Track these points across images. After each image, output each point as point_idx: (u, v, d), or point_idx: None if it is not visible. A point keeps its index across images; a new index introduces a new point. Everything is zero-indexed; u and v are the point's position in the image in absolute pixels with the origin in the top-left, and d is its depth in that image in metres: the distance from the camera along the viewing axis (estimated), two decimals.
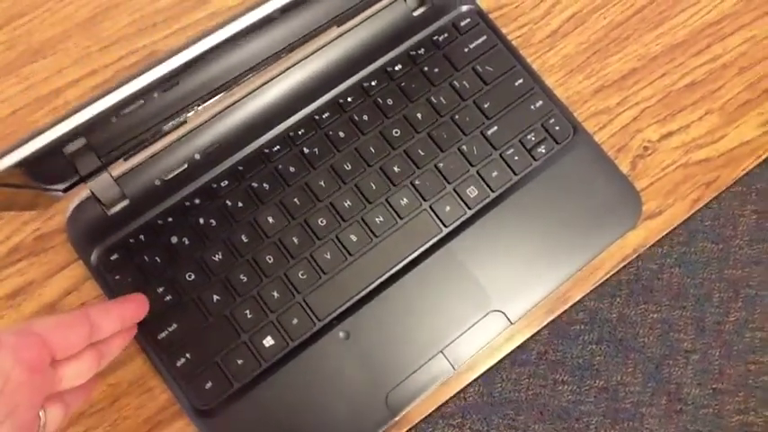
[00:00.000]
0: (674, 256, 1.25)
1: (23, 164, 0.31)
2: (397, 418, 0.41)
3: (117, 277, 0.42)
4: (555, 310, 0.46)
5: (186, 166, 0.44)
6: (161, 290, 0.42)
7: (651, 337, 1.20)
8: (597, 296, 1.21)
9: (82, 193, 0.43)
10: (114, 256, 0.42)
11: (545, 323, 0.46)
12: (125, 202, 0.43)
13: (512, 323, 0.43)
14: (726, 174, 0.49)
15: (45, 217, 0.45)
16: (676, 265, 1.24)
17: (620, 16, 0.52)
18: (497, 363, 0.45)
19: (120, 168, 0.43)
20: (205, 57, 0.32)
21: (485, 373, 0.45)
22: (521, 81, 0.48)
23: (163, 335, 0.41)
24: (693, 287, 1.23)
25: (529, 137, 0.47)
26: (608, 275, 0.47)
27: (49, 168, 0.39)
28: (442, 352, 0.42)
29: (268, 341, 0.42)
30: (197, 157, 0.45)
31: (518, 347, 0.46)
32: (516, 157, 0.46)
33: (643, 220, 0.48)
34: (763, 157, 0.50)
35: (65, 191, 0.39)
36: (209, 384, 0.40)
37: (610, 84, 0.51)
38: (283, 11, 0.32)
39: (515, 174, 0.46)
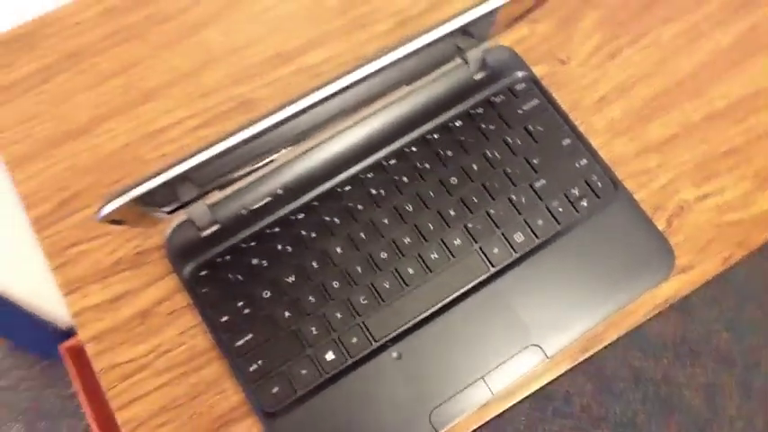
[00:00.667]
0: (723, 321, 1.26)
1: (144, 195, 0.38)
2: None
3: (204, 290, 0.49)
4: (589, 349, 0.50)
5: (270, 198, 0.51)
6: (240, 304, 0.48)
7: (696, 399, 1.20)
8: (643, 355, 1.23)
9: (181, 216, 0.50)
10: (204, 272, 0.49)
11: (579, 360, 0.50)
12: (216, 227, 0.50)
13: (548, 357, 0.48)
14: (756, 235, 0.53)
15: (145, 236, 0.53)
16: (725, 329, 1.25)
17: (663, 86, 0.58)
18: (534, 392, 0.49)
19: (214, 198, 0.50)
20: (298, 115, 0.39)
21: (522, 401, 0.49)
22: (567, 141, 0.53)
23: (240, 342, 0.47)
24: (741, 353, 1.23)
25: (573, 191, 0.52)
26: (640, 321, 0.51)
27: (161, 197, 0.46)
28: (482, 378, 0.47)
29: (329, 356, 0.47)
30: (279, 191, 0.52)
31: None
32: (561, 209, 0.52)
33: (676, 274, 0.52)
34: None
35: (169, 213, 0.47)
36: (275, 389, 0.46)
37: (651, 147, 0.56)
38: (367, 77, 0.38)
39: (559, 223, 0.51)
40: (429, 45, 0.41)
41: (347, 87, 0.37)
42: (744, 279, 1.27)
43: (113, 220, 0.37)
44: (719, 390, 1.21)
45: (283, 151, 0.50)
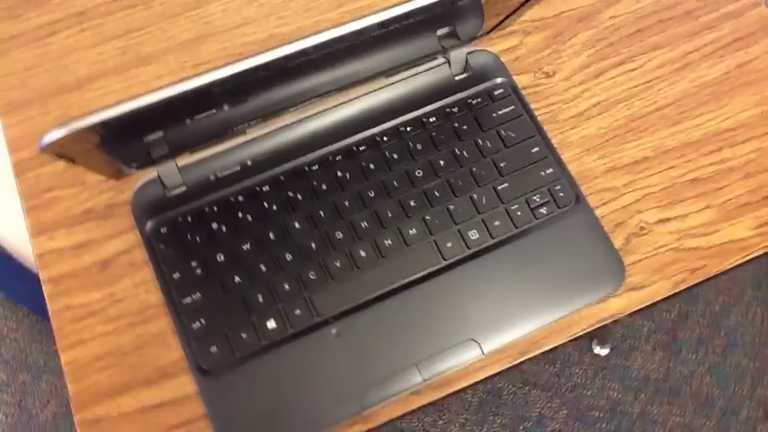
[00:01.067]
0: (708, 364, 1.25)
1: (114, 128, 0.39)
2: (365, 413, 0.47)
3: (162, 246, 0.50)
4: (527, 353, 0.51)
5: (239, 168, 0.53)
6: (194, 264, 0.50)
7: None
8: (622, 388, 1.23)
9: (150, 174, 0.52)
10: (164, 230, 0.51)
11: (516, 362, 0.51)
12: (183, 188, 0.52)
13: (484, 354, 0.49)
14: (712, 264, 0.54)
15: (118, 191, 0.55)
16: (708, 373, 1.24)
17: (642, 110, 0.59)
18: (466, 387, 0.50)
19: (185, 160, 0.52)
20: (269, 70, 0.40)
21: (452, 393, 0.50)
22: (537, 149, 0.55)
23: (187, 300, 0.49)
24: (722, 399, 1.22)
25: (534, 197, 0.53)
26: (583, 332, 0.52)
27: (130, 148, 0.48)
28: (416, 364, 0.48)
29: (271, 324, 0.49)
30: (249, 162, 0.53)
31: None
32: (519, 213, 0.53)
33: (626, 291, 0.53)
34: (751, 256, 0.54)
35: (138, 167, 0.48)
36: (214, 349, 0.48)
37: (621, 167, 0.56)
38: (338, 43, 0.40)
39: (516, 227, 0.52)
40: (405, 21, 0.42)
41: (310, 49, 0.39)
42: (734, 325, 1.26)
43: (64, 155, 0.38)
44: None
45: (257, 124, 0.52)
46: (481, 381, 0.50)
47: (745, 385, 1.23)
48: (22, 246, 1.04)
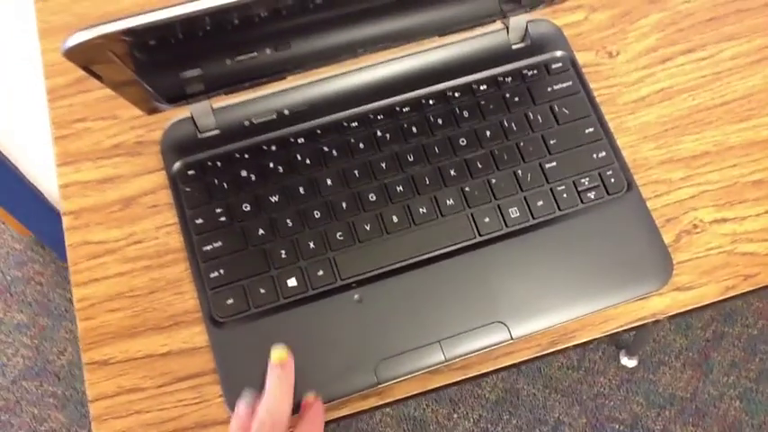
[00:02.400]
0: (739, 389, 1.19)
1: (148, 49, 0.37)
2: (381, 387, 0.45)
3: (187, 189, 0.48)
4: (558, 344, 0.48)
5: (275, 116, 0.51)
6: (219, 210, 0.48)
7: None
8: (646, 403, 1.18)
9: (183, 113, 0.50)
10: (191, 172, 0.49)
11: (544, 352, 0.48)
12: (215, 131, 0.50)
13: (512, 338, 0.46)
14: (766, 272, 0.50)
15: (149, 128, 0.53)
16: (738, 398, 1.19)
17: (708, 102, 0.55)
18: (489, 372, 0.47)
19: (220, 102, 0.50)
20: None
21: (474, 377, 0.47)
22: (591, 130, 0.51)
23: (207, 248, 0.47)
24: (750, 427, 1.17)
25: (583, 180, 0.50)
26: (620, 329, 0.48)
27: (165, 81, 0.46)
28: (439, 342, 0.45)
29: (291, 282, 0.46)
30: (286, 112, 0.51)
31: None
32: (565, 195, 0.49)
33: (671, 290, 0.49)
34: None
35: (169, 102, 0.46)
36: (230, 301, 0.46)
37: (678, 159, 0.53)
38: None
39: (559, 208, 0.49)
40: None
41: None
42: None
43: (91, 69, 0.36)
44: None
45: (298, 73, 0.49)
46: (505, 368, 0.47)
47: None
48: (55, 189, 1.03)
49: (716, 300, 0.49)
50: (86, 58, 0.34)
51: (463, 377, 0.47)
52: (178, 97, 0.47)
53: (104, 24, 0.32)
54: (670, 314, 0.49)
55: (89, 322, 0.47)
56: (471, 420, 1.16)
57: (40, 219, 1.10)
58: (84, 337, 0.47)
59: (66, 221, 0.50)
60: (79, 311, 0.48)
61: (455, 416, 1.17)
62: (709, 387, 1.19)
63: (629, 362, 1.19)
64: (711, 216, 0.51)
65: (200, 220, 0.48)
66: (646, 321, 0.49)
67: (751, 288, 0.50)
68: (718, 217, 0.51)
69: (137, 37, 0.34)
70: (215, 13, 0.34)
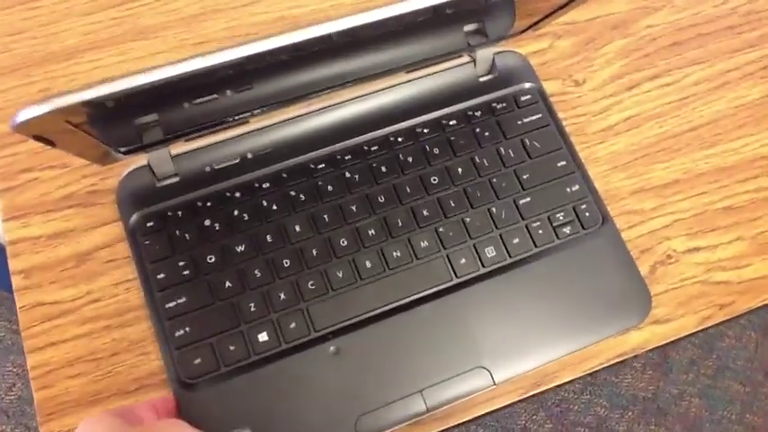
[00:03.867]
0: (698, 386, 1.22)
1: (101, 108, 0.34)
2: None
3: (147, 242, 0.45)
4: (540, 385, 0.47)
5: (238, 160, 0.48)
6: (182, 263, 0.45)
7: None
8: (610, 405, 1.19)
9: (139, 161, 0.47)
10: (150, 223, 0.46)
11: (527, 395, 0.47)
12: (174, 179, 0.47)
13: (495, 384, 0.44)
14: (742, 301, 0.50)
15: (102, 176, 0.50)
16: (698, 396, 1.21)
17: (676, 128, 0.54)
18: (472, 419, 0.46)
19: (179, 148, 0.47)
20: (277, 57, 0.36)
21: (457, 426, 0.46)
22: (563, 163, 0.50)
23: (171, 305, 0.44)
24: (710, 422, 1.20)
25: (558, 215, 0.49)
26: (600, 366, 0.48)
27: (119, 131, 0.43)
28: (420, 392, 0.44)
29: (263, 336, 0.44)
30: (249, 155, 0.48)
31: None
32: (540, 231, 0.48)
33: (649, 324, 0.49)
34: None
35: (126, 153, 0.43)
36: (198, 360, 0.43)
37: (649, 188, 0.52)
38: (345, 36, 0.35)
39: (536, 246, 0.48)
40: (431, 14, 0.37)
41: (323, 38, 0.34)
42: (727, 348, 1.24)
43: (42, 137, 0.33)
44: None
45: (261, 114, 0.47)
46: (489, 413, 0.46)
47: (734, 410, 1.20)
48: None
49: (693, 331, 0.49)
50: (37, 129, 0.32)
51: (446, 426, 0.46)
52: (134, 146, 0.44)
53: (58, 97, 0.29)
54: (649, 348, 0.48)
55: (47, 391, 0.44)
56: None
57: None
58: (41, 408, 0.44)
59: (15, 282, 0.46)
60: (35, 380, 0.44)
61: None
62: (670, 386, 1.21)
63: None
64: (684, 245, 0.51)
65: (162, 275, 0.45)
66: (626, 357, 0.48)
67: (727, 317, 0.50)
68: (691, 246, 0.51)
69: (93, 106, 0.31)
70: (184, 78, 0.32)
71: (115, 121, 0.42)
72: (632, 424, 1.19)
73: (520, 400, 0.47)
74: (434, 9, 0.35)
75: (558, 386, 0.48)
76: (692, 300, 0.50)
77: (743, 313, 0.50)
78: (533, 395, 0.47)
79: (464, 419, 0.46)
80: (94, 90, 0.30)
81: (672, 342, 0.49)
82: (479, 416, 0.46)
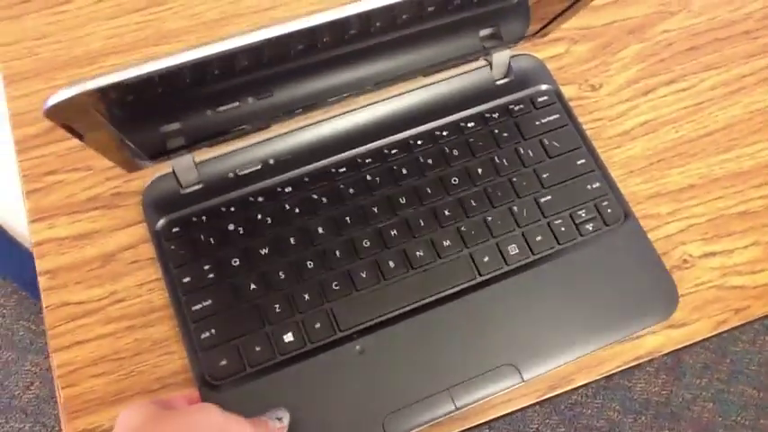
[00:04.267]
0: (712, 391, 1.21)
1: (129, 107, 0.35)
2: None
3: (173, 247, 0.46)
4: (557, 388, 0.47)
5: (260, 166, 0.49)
6: (207, 267, 0.46)
7: None
8: (622, 409, 1.19)
9: (165, 168, 0.48)
10: (176, 229, 0.47)
11: (545, 397, 0.47)
12: (199, 185, 0.48)
13: (523, 381, 0.45)
14: (757, 306, 0.50)
15: (126, 178, 0.51)
16: (711, 400, 1.21)
17: (692, 133, 0.55)
18: (497, 418, 0.46)
19: (202, 155, 0.48)
20: (299, 51, 0.36)
21: (482, 424, 0.46)
22: (583, 161, 0.51)
23: (197, 307, 0.45)
24: (723, 427, 1.19)
25: (579, 212, 0.49)
26: (617, 369, 0.48)
27: (144, 137, 0.44)
28: (448, 390, 0.44)
29: (288, 337, 0.45)
30: (271, 161, 0.49)
31: None
32: (563, 228, 0.49)
33: (665, 328, 0.49)
34: None
35: (151, 158, 0.44)
36: (224, 362, 0.44)
37: (665, 193, 0.53)
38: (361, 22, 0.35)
39: (558, 243, 0.48)
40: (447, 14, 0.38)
41: (347, 21, 0.35)
42: (741, 352, 1.23)
43: (72, 128, 0.34)
44: None
45: (283, 120, 0.48)
46: (506, 415, 0.47)
47: (748, 415, 1.20)
48: (11, 218, 0.99)
49: (709, 335, 0.49)
50: (68, 116, 0.32)
51: (474, 424, 0.46)
52: (159, 153, 0.45)
53: (89, 80, 0.30)
54: (665, 352, 0.49)
55: (72, 389, 0.45)
56: None
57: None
58: (67, 406, 0.45)
59: (42, 282, 0.47)
60: (60, 378, 0.45)
61: None
62: (683, 391, 1.21)
63: None
64: (700, 250, 0.51)
65: (187, 279, 0.46)
66: (642, 361, 0.48)
67: (742, 322, 0.50)
68: (707, 251, 0.51)
69: (121, 92, 0.32)
70: (203, 64, 0.32)
71: (141, 126, 0.43)
72: (645, 428, 1.19)
73: (537, 403, 0.47)
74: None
75: (574, 389, 0.48)
76: (707, 304, 0.50)
77: (758, 318, 0.50)
78: (549, 398, 0.47)
79: (492, 417, 0.46)
80: (124, 72, 0.31)
81: (686, 346, 0.49)
82: (496, 418, 0.47)
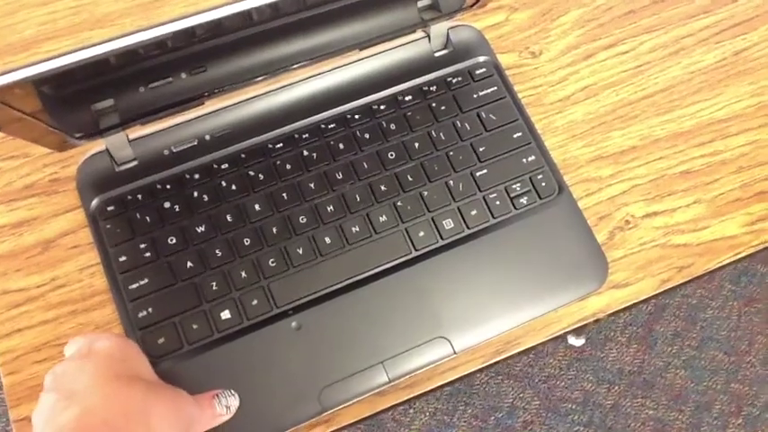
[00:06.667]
0: (683, 357, 1.23)
1: (56, 90, 0.35)
2: (325, 414, 0.44)
3: (108, 226, 0.46)
4: (502, 352, 0.48)
5: (195, 143, 0.49)
6: (143, 246, 0.46)
7: None
8: (596, 380, 1.21)
9: (98, 147, 0.48)
10: (111, 208, 0.46)
11: (489, 362, 0.47)
12: (133, 163, 0.48)
13: (455, 353, 0.45)
14: (700, 263, 0.51)
15: (63, 164, 0.50)
16: (683, 367, 1.22)
17: (632, 96, 0.55)
18: (435, 388, 0.47)
19: (136, 132, 0.48)
20: (230, 31, 0.36)
21: (421, 395, 0.47)
22: (519, 134, 0.51)
23: (133, 286, 0.45)
24: (696, 393, 1.21)
25: (514, 186, 0.49)
26: (562, 331, 0.48)
27: (76, 117, 0.44)
28: (382, 363, 0.45)
29: (225, 314, 0.45)
30: (207, 137, 0.49)
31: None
32: (498, 202, 0.49)
33: (609, 288, 0.49)
34: (741, 254, 0.51)
35: (82, 138, 0.44)
36: (162, 340, 0.44)
37: (607, 155, 0.53)
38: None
39: (493, 217, 0.49)
40: None
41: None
42: (711, 319, 1.25)
43: None
44: (666, 426, 1.19)
45: (217, 96, 0.47)
46: (452, 382, 0.47)
47: (719, 380, 1.21)
48: None
49: (653, 294, 0.50)
50: None
51: (410, 395, 0.47)
52: (91, 132, 0.44)
53: (7, 74, 0.30)
54: (609, 312, 0.49)
55: (15, 376, 0.45)
56: (427, 414, 1.17)
57: None
58: (10, 393, 0.45)
59: None
60: (3, 365, 0.45)
61: (411, 411, 1.17)
62: (655, 359, 1.22)
63: (576, 341, 1.22)
64: (642, 210, 0.52)
65: (123, 258, 0.45)
66: (587, 321, 0.49)
67: (685, 279, 0.50)
68: (650, 211, 0.52)
69: (41, 82, 0.32)
70: (124, 52, 0.32)
71: (69, 105, 0.42)
72: (619, 397, 1.20)
73: (483, 368, 0.48)
74: None
75: (522, 352, 0.48)
76: (651, 263, 0.50)
77: (701, 275, 0.51)
78: (496, 362, 0.48)
79: (428, 388, 0.47)
80: (45, 64, 0.30)
81: (632, 305, 0.49)
82: (443, 384, 0.47)
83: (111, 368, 0.36)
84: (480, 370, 0.48)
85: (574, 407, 1.19)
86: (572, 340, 1.22)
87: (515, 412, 1.18)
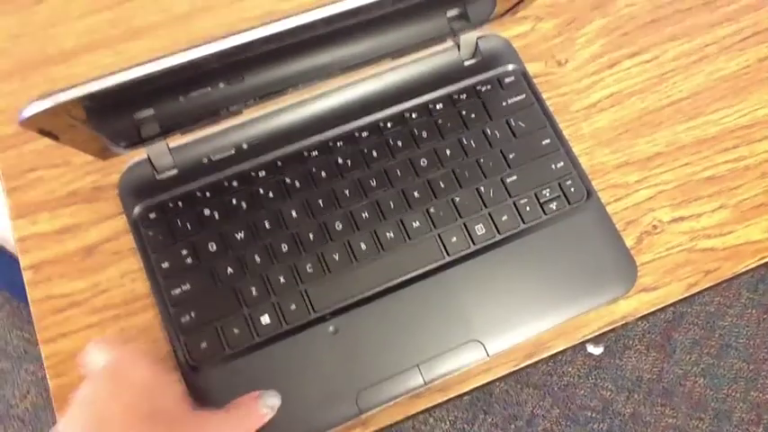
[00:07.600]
0: (702, 365, 1.23)
1: (101, 103, 0.36)
2: (362, 417, 0.45)
3: (150, 233, 0.47)
4: (534, 356, 0.48)
5: (233, 151, 0.50)
6: (184, 252, 0.47)
7: None
8: (615, 388, 1.21)
9: (139, 156, 0.49)
10: (152, 215, 0.48)
11: (521, 365, 0.48)
12: (174, 171, 0.49)
13: (488, 356, 0.46)
14: (726, 267, 0.51)
15: (105, 172, 0.52)
16: (702, 375, 1.23)
17: (657, 103, 0.56)
18: (468, 391, 0.48)
19: (176, 141, 0.49)
20: (268, 47, 0.38)
21: (454, 398, 0.48)
22: (547, 141, 0.52)
23: (176, 291, 0.46)
24: (715, 401, 1.21)
25: (544, 192, 0.50)
26: (592, 335, 0.49)
27: (118, 126, 0.45)
28: (417, 366, 0.46)
29: (265, 319, 0.46)
30: (244, 146, 0.50)
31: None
32: (528, 208, 0.50)
33: (637, 292, 0.50)
34: (766, 259, 0.52)
35: (125, 147, 0.45)
36: (204, 344, 0.45)
37: (633, 162, 0.54)
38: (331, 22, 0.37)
39: (524, 222, 0.50)
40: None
41: (311, 25, 0.36)
42: (729, 326, 1.25)
43: (47, 131, 0.35)
44: None
45: (254, 105, 0.49)
46: (484, 385, 0.48)
47: (738, 388, 1.21)
48: (2, 229, 1.00)
49: (680, 297, 0.51)
50: (43, 123, 0.34)
51: (445, 398, 0.47)
52: (133, 141, 0.46)
53: (61, 92, 0.31)
54: (638, 316, 0.50)
55: (61, 379, 0.46)
56: (447, 422, 1.17)
57: None
58: (57, 396, 0.46)
59: (26, 276, 0.48)
60: (49, 369, 0.46)
61: (431, 420, 1.17)
62: (674, 367, 1.23)
63: (595, 349, 1.22)
64: (669, 215, 0.53)
65: (165, 264, 0.47)
66: (616, 325, 0.50)
67: (712, 283, 0.51)
68: (676, 216, 0.53)
69: (94, 99, 0.33)
70: (179, 69, 0.34)
71: (114, 117, 0.44)
72: (638, 406, 1.20)
73: (514, 371, 0.48)
74: None
75: (552, 356, 0.49)
76: (678, 267, 0.51)
77: (727, 279, 0.51)
78: (528, 365, 0.49)
79: (462, 391, 0.48)
80: (93, 84, 0.32)
81: (659, 309, 0.50)
82: (476, 387, 0.48)
83: (142, 406, 0.36)
84: (512, 373, 0.48)
85: (593, 415, 1.19)
86: (591, 349, 1.22)
87: (535, 420, 1.18)
